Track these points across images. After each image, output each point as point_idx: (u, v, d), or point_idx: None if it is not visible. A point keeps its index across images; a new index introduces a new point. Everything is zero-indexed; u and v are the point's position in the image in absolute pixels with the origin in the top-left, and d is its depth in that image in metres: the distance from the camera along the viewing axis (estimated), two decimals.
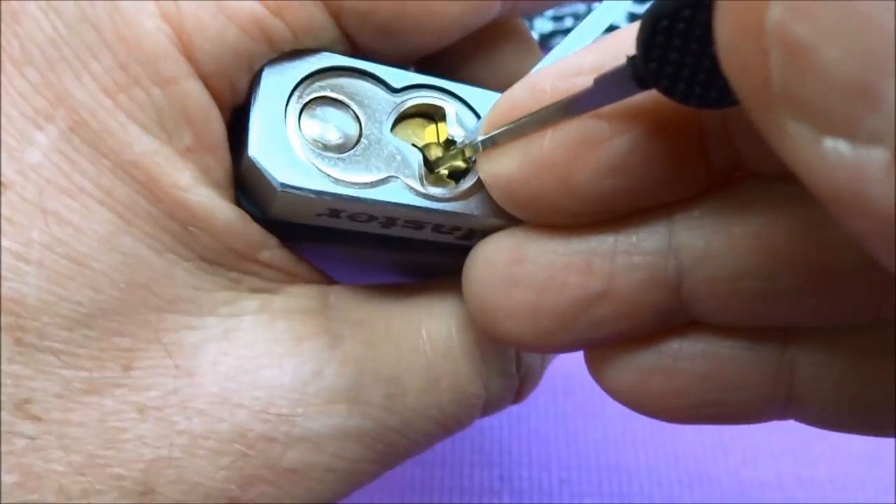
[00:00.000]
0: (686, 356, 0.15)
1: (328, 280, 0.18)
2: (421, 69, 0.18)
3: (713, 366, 0.15)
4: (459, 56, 0.18)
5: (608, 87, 0.13)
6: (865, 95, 0.08)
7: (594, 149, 0.14)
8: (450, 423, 0.18)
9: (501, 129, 0.14)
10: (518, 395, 0.20)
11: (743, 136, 0.14)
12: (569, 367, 0.25)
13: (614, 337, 0.15)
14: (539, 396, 0.33)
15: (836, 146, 0.08)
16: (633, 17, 0.47)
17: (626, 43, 0.13)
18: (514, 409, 0.32)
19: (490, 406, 0.19)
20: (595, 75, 0.13)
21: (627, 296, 0.15)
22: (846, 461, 0.32)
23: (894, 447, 0.31)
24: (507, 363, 0.19)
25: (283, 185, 0.15)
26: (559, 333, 0.15)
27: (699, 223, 0.14)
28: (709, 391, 0.15)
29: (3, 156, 0.14)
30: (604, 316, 0.15)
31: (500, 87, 0.17)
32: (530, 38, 0.19)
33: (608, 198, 0.14)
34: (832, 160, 0.08)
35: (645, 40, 0.11)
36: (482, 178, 0.15)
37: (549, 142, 0.14)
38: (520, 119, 0.14)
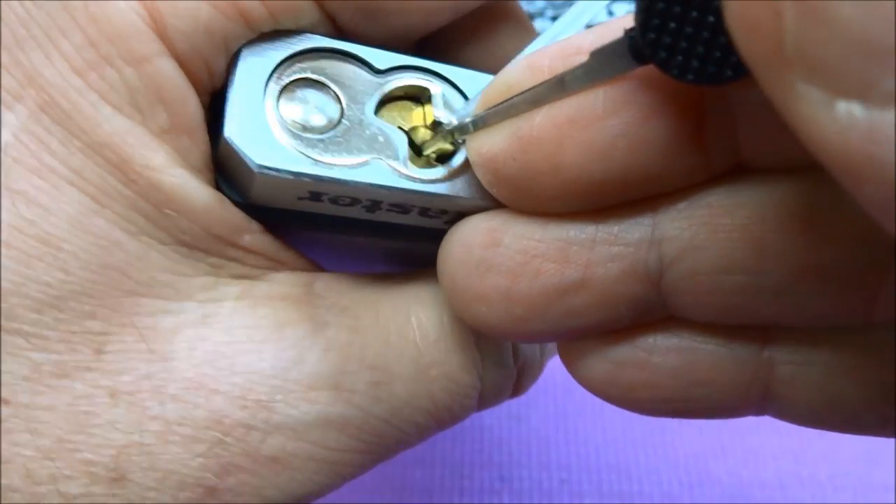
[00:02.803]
0: (660, 350, 0.15)
1: (316, 268, 0.17)
2: (417, 54, 0.17)
3: (688, 362, 0.15)
4: (455, 40, 0.18)
5: (604, 62, 0.12)
6: (883, 56, 0.08)
7: (585, 128, 0.13)
8: (442, 414, 0.17)
9: (494, 108, 0.14)
10: (517, 387, 0.20)
11: (746, 123, 0.13)
12: None
13: (589, 328, 0.15)
14: (539, 396, 0.33)
15: (849, 108, 0.08)
16: None
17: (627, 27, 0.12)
18: (514, 409, 0.32)
19: (487, 398, 0.18)
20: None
21: (604, 287, 0.14)
22: (846, 461, 0.32)
23: (894, 447, 0.31)
24: (503, 354, 0.18)
25: (260, 166, 0.14)
26: (532, 322, 0.15)
27: (685, 214, 0.14)
28: (682, 387, 0.15)
29: None
30: (579, 306, 0.14)
31: (494, 67, 0.16)
32: (527, 21, 0.18)
33: (596, 184, 0.14)
34: (844, 123, 0.08)
35: (644, 7, 0.11)
36: (468, 155, 0.15)
37: (541, 118, 0.13)
38: (513, 97, 0.14)
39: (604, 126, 0.13)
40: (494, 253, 0.15)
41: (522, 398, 0.21)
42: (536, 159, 0.14)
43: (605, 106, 0.13)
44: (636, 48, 0.12)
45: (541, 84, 0.13)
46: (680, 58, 0.11)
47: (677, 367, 0.15)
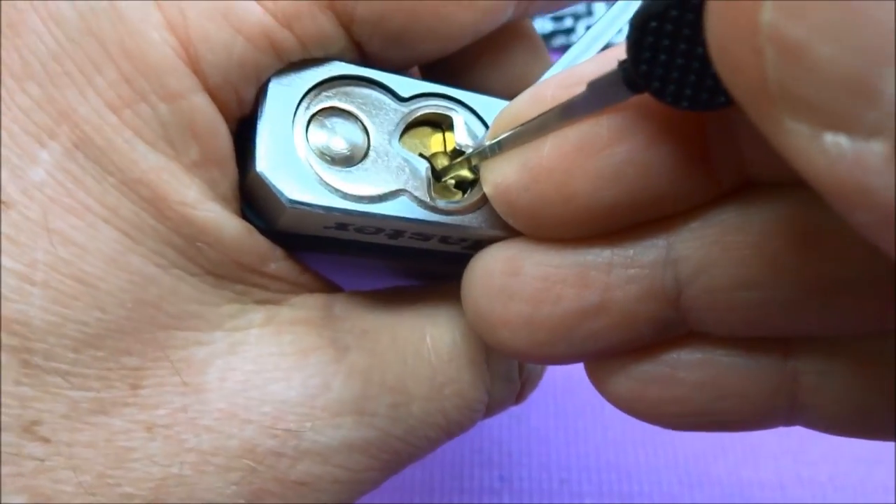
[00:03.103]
0: (684, 365, 0.15)
1: (332, 287, 0.18)
2: (428, 73, 0.17)
3: (712, 375, 0.15)
4: (467, 60, 0.18)
5: (601, 92, 0.13)
6: (862, 90, 0.08)
7: (592, 156, 0.13)
8: (452, 428, 0.18)
9: (503, 136, 0.14)
10: (519, 396, 0.20)
11: (749, 140, 0.13)
12: (569, 367, 0.25)
13: (612, 348, 0.15)
14: (539, 396, 0.33)
15: (836, 140, 0.08)
16: None
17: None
18: (514, 409, 0.32)
19: (492, 409, 0.19)
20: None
21: (624, 308, 0.15)
22: (846, 461, 0.32)
23: (894, 447, 0.31)
24: (510, 368, 0.19)
25: (291, 201, 0.14)
26: (556, 345, 0.15)
27: (698, 234, 0.14)
28: (708, 400, 0.15)
29: (4, 174, 0.13)
30: (600, 328, 0.15)
31: (509, 90, 0.17)
32: (539, 40, 0.19)
33: (607, 209, 0.14)
34: (833, 155, 0.08)
35: (634, 42, 0.12)
36: (485, 188, 0.15)
37: (549, 148, 0.14)
38: (520, 126, 0.14)
39: (611, 153, 0.13)
40: (515, 281, 0.15)
41: None
42: (547, 189, 0.14)
43: (611, 133, 0.13)
44: (630, 79, 0.12)
45: (544, 113, 0.14)
46: (673, 87, 0.12)
47: (702, 381, 0.15)
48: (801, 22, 0.08)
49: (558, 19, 0.45)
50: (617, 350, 0.15)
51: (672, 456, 0.32)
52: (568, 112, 0.13)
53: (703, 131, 0.13)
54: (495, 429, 0.32)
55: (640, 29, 0.11)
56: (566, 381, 0.32)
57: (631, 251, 0.14)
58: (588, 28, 0.16)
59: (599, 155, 0.13)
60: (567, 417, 0.32)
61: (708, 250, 0.14)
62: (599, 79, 0.13)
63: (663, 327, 0.15)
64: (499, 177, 0.14)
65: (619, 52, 0.12)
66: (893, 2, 0.08)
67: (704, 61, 0.11)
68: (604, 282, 0.14)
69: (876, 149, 0.08)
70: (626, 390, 0.16)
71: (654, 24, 0.11)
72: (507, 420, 0.32)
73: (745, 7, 0.09)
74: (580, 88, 0.13)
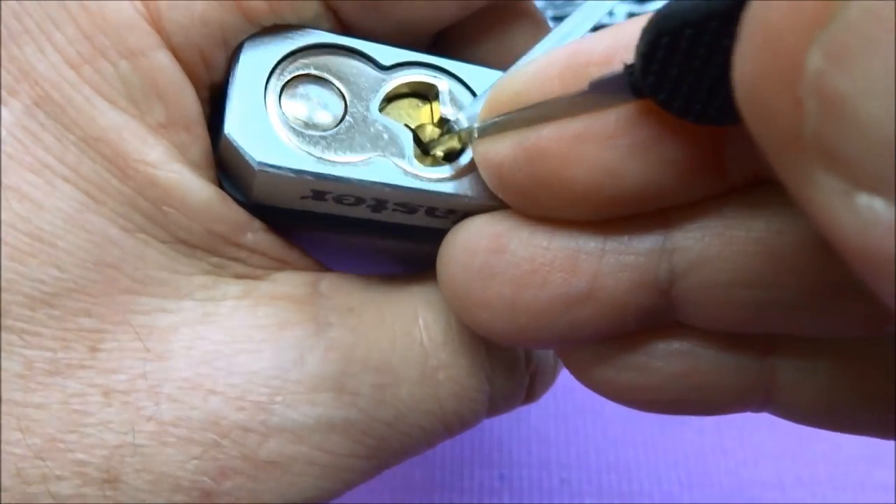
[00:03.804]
0: (662, 355, 0.15)
1: (322, 268, 0.17)
2: (427, 51, 0.17)
3: (689, 367, 0.15)
4: (469, 38, 0.17)
5: (604, 92, 0.12)
6: None
7: (591, 146, 0.13)
8: (450, 419, 0.17)
9: (501, 118, 0.14)
10: (530, 393, 0.19)
11: None
12: None
13: (595, 336, 0.15)
14: None
15: (870, 203, 0.08)
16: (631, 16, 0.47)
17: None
18: (514, 409, 0.32)
19: (497, 404, 0.18)
20: (602, 67, 0.12)
21: (612, 297, 0.14)
22: (846, 461, 0.32)
23: (894, 447, 0.31)
24: (514, 358, 0.18)
25: (260, 163, 0.14)
26: (537, 331, 0.14)
27: (699, 225, 0.14)
28: (681, 390, 0.15)
29: None
30: (585, 317, 0.14)
31: (509, 65, 0.16)
32: (542, 19, 0.18)
33: (605, 199, 0.13)
34: (866, 218, 0.08)
35: (645, 54, 0.11)
36: (475, 157, 0.14)
37: (547, 131, 0.13)
38: (521, 110, 0.13)
39: (612, 145, 0.13)
40: (499, 259, 0.14)
41: None
42: (542, 172, 0.13)
43: (617, 124, 0.13)
44: (636, 86, 0.12)
45: (546, 101, 0.13)
46: (681, 101, 0.11)
47: (678, 372, 0.15)
48: (852, 75, 0.08)
49: (558, 20, 0.45)
50: (599, 338, 0.15)
51: (672, 456, 0.32)
52: (569, 107, 0.13)
53: (721, 130, 0.13)
54: (495, 429, 0.32)
55: (653, 42, 0.11)
56: (566, 381, 0.32)
57: (626, 238, 0.14)
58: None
59: (602, 145, 0.13)
60: (567, 417, 0.32)
61: (708, 243, 0.13)
62: (602, 80, 0.12)
63: (650, 317, 0.14)
64: (490, 151, 0.14)
65: (633, 29, 0.12)
66: None
67: (718, 81, 0.11)
68: (594, 268, 0.14)
69: None
70: (601, 376, 0.15)
71: (666, 39, 0.11)
72: (507, 420, 0.32)
73: (790, 49, 0.08)
74: (591, 68, 0.12)
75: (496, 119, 0.14)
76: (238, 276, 0.16)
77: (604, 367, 0.15)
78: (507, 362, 0.18)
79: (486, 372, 0.17)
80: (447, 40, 0.17)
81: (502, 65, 0.17)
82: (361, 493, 0.17)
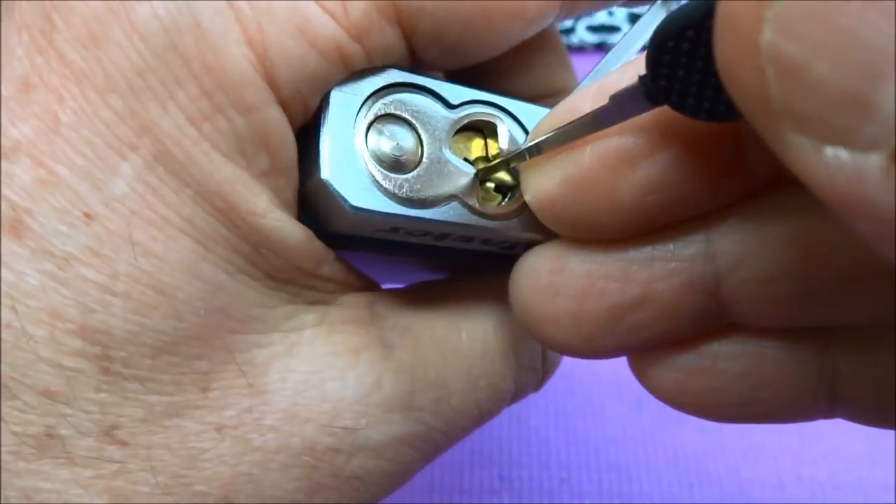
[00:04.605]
0: (725, 356, 0.16)
1: (370, 284, 0.18)
2: (454, 76, 0.18)
3: (752, 365, 0.15)
4: (494, 64, 0.18)
5: (624, 104, 0.13)
6: (858, 105, 0.08)
7: (636, 166, 0.14)
8: (484, 417, 0.19)
9: (537, 140, 0.15)
10: (539, 383, 0.21)
11: None
12: (569, 367, 0.25)
13: (654, 340, 0.16)
14: (539, 396, 0.33)
15: (836, 154, 0.09)
16: (632, 18, 0.47)
17: None
18: (514, 409, 0.32)
19: (516, 397, 0.20)
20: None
21: (665, 301, 0.15)
22: (846, 461, 0.32)
23: (894, 447, 0.31)
24: (535, 358, 0.20)
25: (355, 207, 0.15)
26: (601, 338, 0.16)
27: (735, 229, 0.15)
28: (749, 391, 0.16)
29: (87, 187, 0.14)
30: (643, 320, 0.15)
31: (531, 93, 0.18)
32: (562, 44, 0.19)
33: (650, 213, 0.14)
34: (833, 167, 0.09)
35: (653, 60, 0.12)
36: (528, 201, 0.16)
37: (590, 161, 0.14)
38: (552, 131, 0.15)
39: (654, 161, 0.14)
40: (561, 278, 0.15)
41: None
42: (593, 200, 0.14)
43: (652, 142, 0.14)
44: (650, 92, 0.12)
45: (574, 121, 0.14)
46: (691, 101, 0.12)
47: (743, 372, 0.16)
48: (799, 41, 0.09)
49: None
50: (659, 342, 0.16)
51: (672, 456, 0.32)
52: (596, 122, 0.14)
53: (737, 131, 0.14)
54: (495, 429, 0.32)
55: (658, 47, 0.12)
56: (566, 381, 0.32)
57: (671, 246, 0.15)
58: (623, 33, 0.17)
59: (643, 163, 0.14)
60: (567, 417, 0.32)
61: (746, 243, 0.14)
62: (621, 92, 0.13)
63: (703, 319, 0.15)
64: (542, 191, 0.15)
65: (640, 66, 0.13)
66: (883, 21, 0.08)
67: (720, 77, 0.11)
68: (646, 275, 0.15)
69: (874, 161, 0.08)
70: (668, 382, 0.16)
71: (671, 43, 0.12)
72: (507, 420, 0.32)
73: (747, 29, 0.09)
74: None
75: (538, 140, 0.15)
76: (311, 303, 0.17)
77: (673, 374, 0.16)
78: (530, 363, 0.19)
79: (513, 374, 0.19)
80: (471, 70, 0.18)
81: (525, 89, 0.18)
82: None
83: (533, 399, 0.33)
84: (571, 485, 0.30)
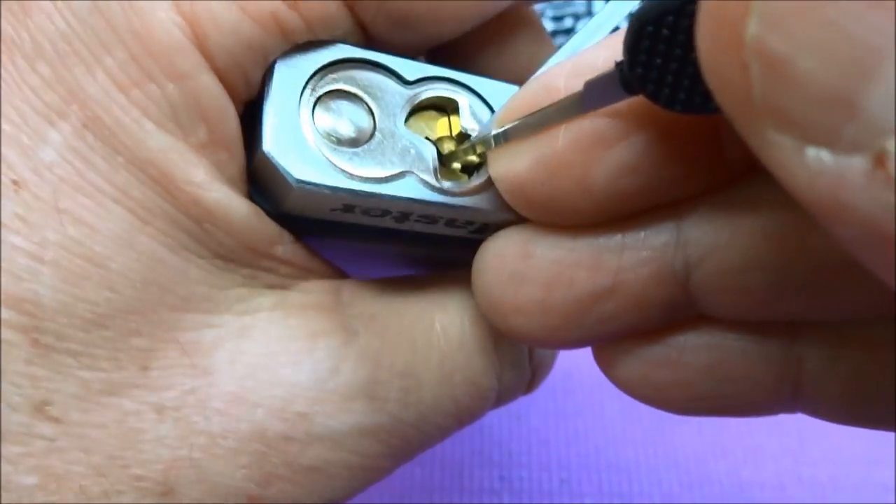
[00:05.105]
0: (692, 349, 0.15)
1: (340, 274, 0.18)
2: (432, 59, 0.17)
3: (719, 358, 0.15)
4: (472, 46, 0.18)
5: (599, 92, 0.13)
6: (843, 105, 0.08)
7: (610, 149, 0.13)
8: (463, 416, 0.18)
9: (511, 125, 0.14)
10: (530, 384, 0.20)
11: None
12: (568, 366, 0.25)
13: (622, 332, 0.15)
14: (539, 396, 0.33)
15: (818, 155, 0.08)
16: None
17: None
18: (514, 409, 0.32)
19: (503, 397, 0.19)
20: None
21: (635, 291, 0.15)
22: (846, 461, 0.32)
23: (894, 447, 0.31)
24: (520, 355, 0.19)
25: (299, 181, 0.15)
26: (568, 329, 0.15)
27: (707, 218, 0.14)
28: (714, 383, 0.15)
29: (15, 154, 0.13)
30: (612, 311, 0.15)
31: (512, 77, 0.17)
32: (542, 28, 0.19)
33: (622, 197, 0.14)
34: (814, 168, 0.08)
35: (630, 45, 0.12)
36: (493, 178, 0.15)
37: (563, 143, 0.14)
38: (528, 116, 0.14)
39: (628, 144, 0.13)
40: (528, 265, 0.15)
41: (522, 398, 0.21)
42: (565, 183, 0.14)
43: (628, 125, 0.13)
44: (626, 80, 0.12)
45: (547, 107, 0.14)
46: (667, 91, 0.12)
47: (708, 365, 0.15)
48: (785, 36, 0.08)
49: (558, 19, 0.45)
50: (627, 333, 0.16)
51: (672, 456, 0.32)
52: (569, 111, 0.13)
53: (715, 117, 0.13)
54: (495, 429, 0.32)
55: (637, 33, 0.11)
56: (566, 381, 0.32)
57: (642, 234, 0.15)
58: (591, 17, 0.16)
59: (618, 146, 0.13)
60: (567, 417, 0.32)
61: (717, 233, 0.14)
62: (596, 79, 0.13)
63: (673, 310, 0.15)
64: (511, 171, 0.15)
65: (616, 48, 0.12)
66: (876, 17, 0.08)
67: (698, 67, 0.11)
68: (616, 264, 0.15)
69: (856, 164, 0.08)
70: (634, 374, 0.16)
71: (650, 28, 0.11)
72: (507, 420, 0.32)
73: (732, 21, 0.09)
74: (588, 78, 0.13)
75: (507, 126, 0.14)
76: (269, 287, 0.16)
77: (638, 366, 0.16)
78: (514, 359, 0.18)
79: (495, 370, 0.18)
80: (452, 48, 0.17)
81: (502, 73, 0.17)
82: (362, 493, 0.17)
83: (533, 399, 0.33)
84: (571, 485, 0.30)
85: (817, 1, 0.08)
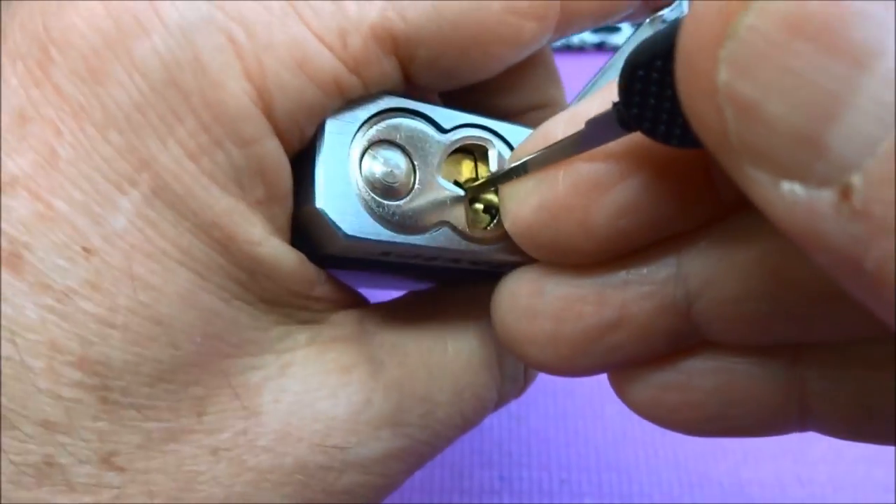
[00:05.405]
0: (699, 373, 0.16)
1: (359, 299, 0.19)
2: (445, 96, 0.18)
3: (725, 381, 0.16)
4: (485, 84, 0.18)
5: (599, 130, 0.13)
6: (811, 144, 0.09)
7: (608, 191, 0.14)
8: (467, 426, 0.19)
9: (513, 164, 0.15)
10: (520, 391, 0.21)
11: None
12: None
13: (630, 360, 0.16)
14: (539, 397, 0.33)
15: (791, 188, 0.09)
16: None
17: None
18: (514, 410, 0.32)
19: (498, 405, 0.20)
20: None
21: (640, 322, 0.15)
22: (846, 461, 0.32)
23: (894, 448, 0.31)
24: (517, 369, 0.20)
25: (348, 236, 0.15)
26: (578, 358, 0.16)
27: (705, 252, 0.15)
28: (723, 405, 0.16)
29: (87, 222, 0.14)
30: (619, 341, 0.16)
31: (524, 112, 0.18)
32: (553, 63, 0.20)
33: (623, 236, 0.15)
34: (789, 201, 0.09)
35: (624, 88, 0.12)
36: (506, 226, 0.16)
37: (563, 188, 0.14)
38: (528, 156, 0.15)
39: (625, 186, 0.14)
40: (539, 301, 0.16)
41: (522, 398, 0.22)
42: (567, 225, 0.15)
43: (623, 167, 0.14)
44: (623, 119, 0.13)
45: (549, 146, 0.14)
46: (662, 127, 0.12)
47: (715, 388, 0.16)
48: (752, 83, 0.09)
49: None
50: (636, 361, 0.16)
51: (672, 456, 0.32)
52: (573, 147, 0.14)
53: (706, 155, 0.14)
54: (495, 429, 0.32)
55: (629, 76, 0.12)
56: (566, 382, 0.32)
57: (644, 270, 0.15)
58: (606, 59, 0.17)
59: (615, 188, 0.14)
60: (567, 418, 0.32)
61: (714, 267, 0.15)
62: (596, 118, 0.13)
63: (677, 338, 0.16)
64: (519, 218, 0.16)
65: (614, 92, 0.13)
66: (832, 64, 0.08)
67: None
68: (620, 299, 0.15)
69: (826, 197, 0.09)
70: (645, 397, 0.16)
71: (641, 72, 0.12)
72: (507, 421, 0.32)
73: (704, 68, 0.09)
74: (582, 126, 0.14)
75: (514, 164, 0.15)
76: (303, 323, 0.17)
77: (649, 390, 0.16)
78: (512, 373, 0.20)
79: (497, 384, 0.19)
80: (462, 88, 0.18)
81: (516, 108, 0.19)
82: None
83: (533, 400, 0.33)
84: (571, 485, 0.31)
85: (778, 49, 0.09)
